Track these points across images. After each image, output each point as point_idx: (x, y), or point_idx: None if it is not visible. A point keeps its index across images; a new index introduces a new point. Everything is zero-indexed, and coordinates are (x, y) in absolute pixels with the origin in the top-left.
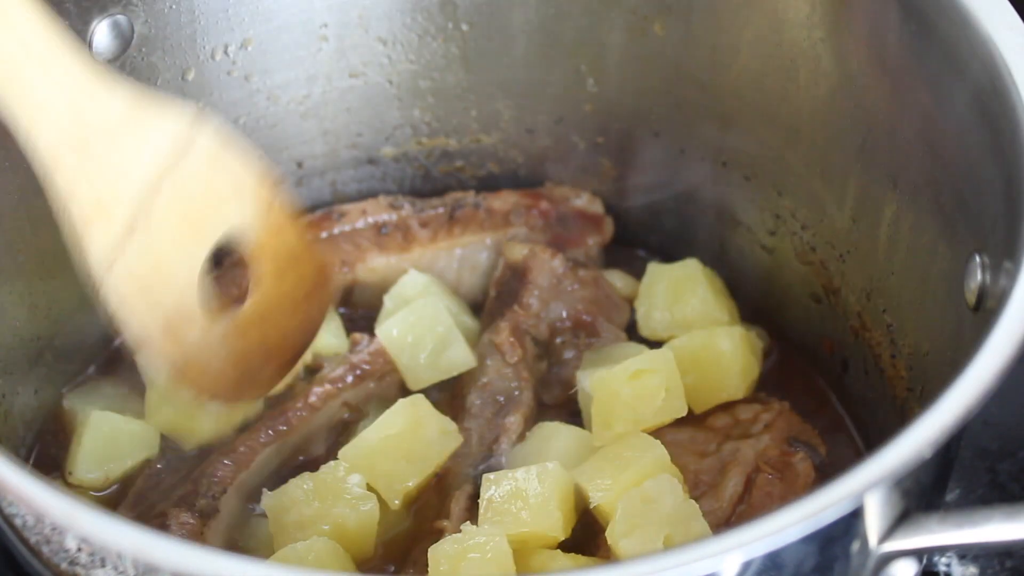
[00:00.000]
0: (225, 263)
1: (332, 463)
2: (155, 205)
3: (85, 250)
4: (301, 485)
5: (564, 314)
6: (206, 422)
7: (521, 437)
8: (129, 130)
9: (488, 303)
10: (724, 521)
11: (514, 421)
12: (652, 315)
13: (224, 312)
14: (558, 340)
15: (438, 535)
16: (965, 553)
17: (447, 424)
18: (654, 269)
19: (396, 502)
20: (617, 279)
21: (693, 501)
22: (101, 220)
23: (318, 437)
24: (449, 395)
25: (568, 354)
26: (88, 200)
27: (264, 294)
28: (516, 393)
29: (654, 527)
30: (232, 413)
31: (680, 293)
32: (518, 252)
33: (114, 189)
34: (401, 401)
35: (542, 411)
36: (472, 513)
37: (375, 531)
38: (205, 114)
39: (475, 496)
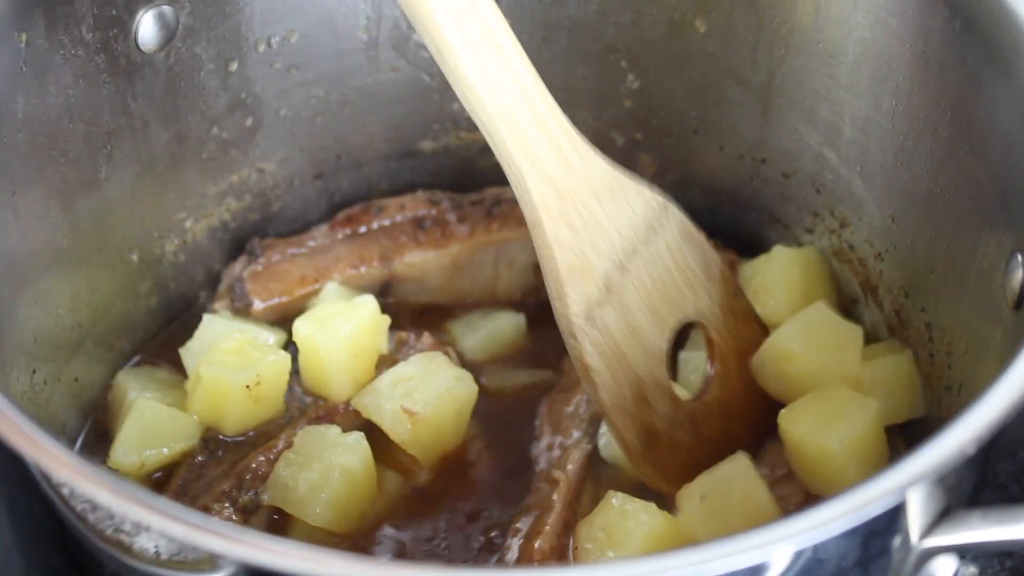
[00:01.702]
0: None
1: (302, 430)
2: (631, 271)
3: (565, 298)
4: (290, 463)
5: None
6: (242, 413)
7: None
8: (611, 195)
9: None
10: None
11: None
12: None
13: (686, 397)
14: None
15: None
16: (965, 552)
17: (461, 373)
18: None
19: (405, 437)
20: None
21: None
22: (584, 272)
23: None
24: (542, 335)
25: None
26: (574, 250)
27: (727, 373)
28: None
29: None
30: (263, 413)
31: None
32: None
33: (596, 244)
34: (417, 356)
35: None
36: (587, 471)
37: (373, 467)
38: (670, 199)
39: (591, 453)
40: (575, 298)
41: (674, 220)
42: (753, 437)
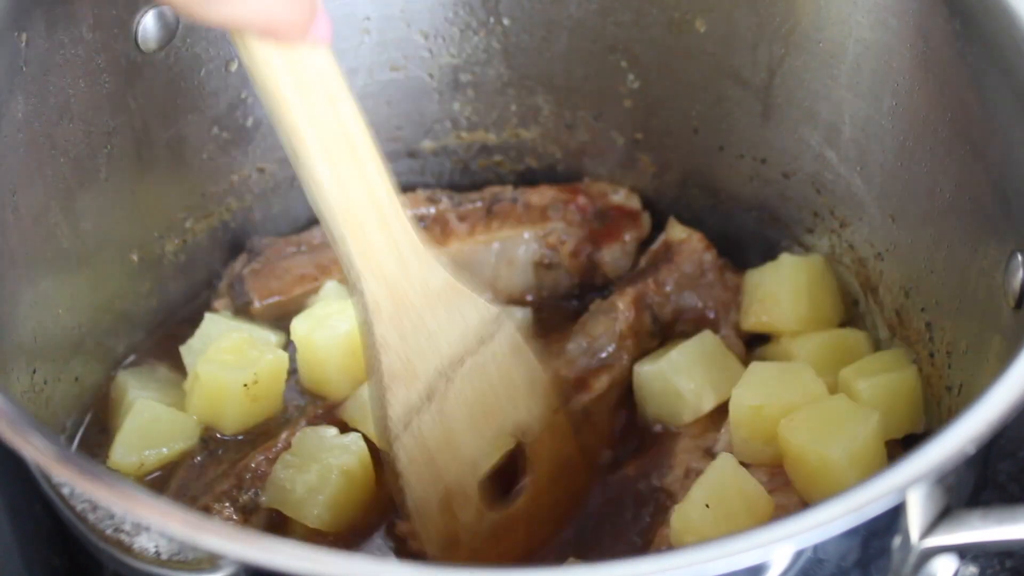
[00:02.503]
0: None
1: (302, 432)
2: (455, 380)
3: (386, 403)
4: (288, 464)
5: (695, 305)
6: (241, 412)
7: (604, 399)
8: (445, 302)
9: (634, 269)
10: None
11: (601, 382)
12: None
13: (492, 504)
14: (678, 328)
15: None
16: (965, 552)
17: None
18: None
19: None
20: None
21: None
22: (407, 377)
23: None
24: (544, 327)
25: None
26: (399, 354)
27: (537, 489)
28: (614, 355)
29: None
30: (261, 412)
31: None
32: (678, 232)
33: (423, 352)
34: None
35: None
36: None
37: (371, 468)
38: (504, 313)
39: None
40: (394, 404)
41: (505, 333)
42: (541, 544)
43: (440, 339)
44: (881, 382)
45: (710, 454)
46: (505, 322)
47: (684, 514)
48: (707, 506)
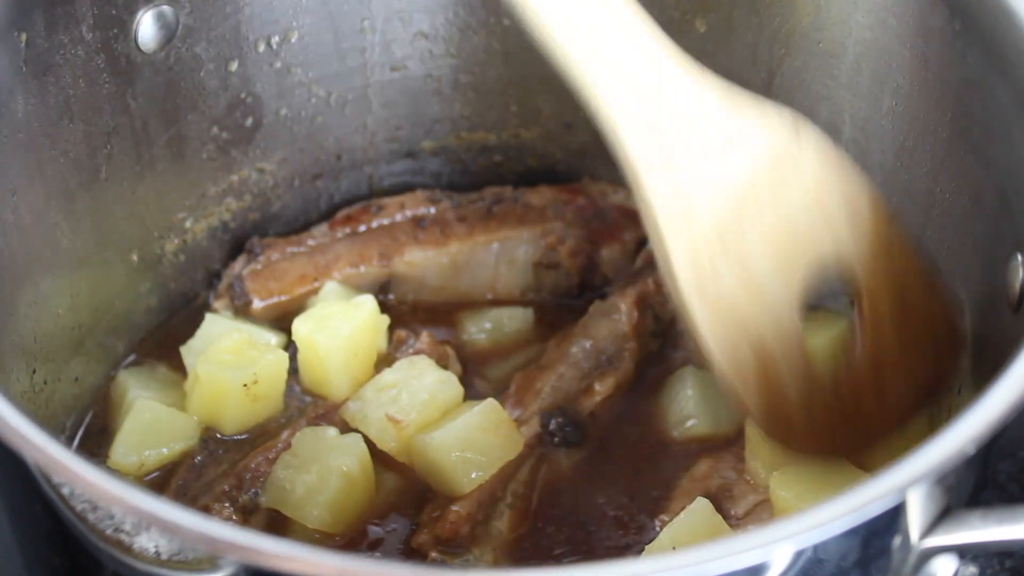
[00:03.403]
0: None
1: (302, 432)
2: (749, 214)
3: (671, 266)
4: (288, 465)
5: None
6: (241, 412)
7: (609, 400)
8: (721, 128)
9: (631, 270)
10: None
11: (607, 384)
12: None
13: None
14: (679, 327)
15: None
16: (965, 552)
17: (446, 376)
18: None
19: (392, 444)
20: None
21: None
22: (685, 221)
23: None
24: (545, 327)
25: (682, 343)
26: (672, 198)
27: (879, 330)
28: (617, 358)
29: None
30: (262, 412)
31: None
32: None
33: (701, 189)
34: (400, 361)
35: (639, 387)
36: (533, 451)
37: (371, 469)
38: (804, 122)
39: (540, 435)
40: (679, 254)
41: (806, 155)
42: (914, 403)
43: (724, 171)
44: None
45: (711, 499)
46: (806, 133)
47: (650, 553)
48: (673, 549)
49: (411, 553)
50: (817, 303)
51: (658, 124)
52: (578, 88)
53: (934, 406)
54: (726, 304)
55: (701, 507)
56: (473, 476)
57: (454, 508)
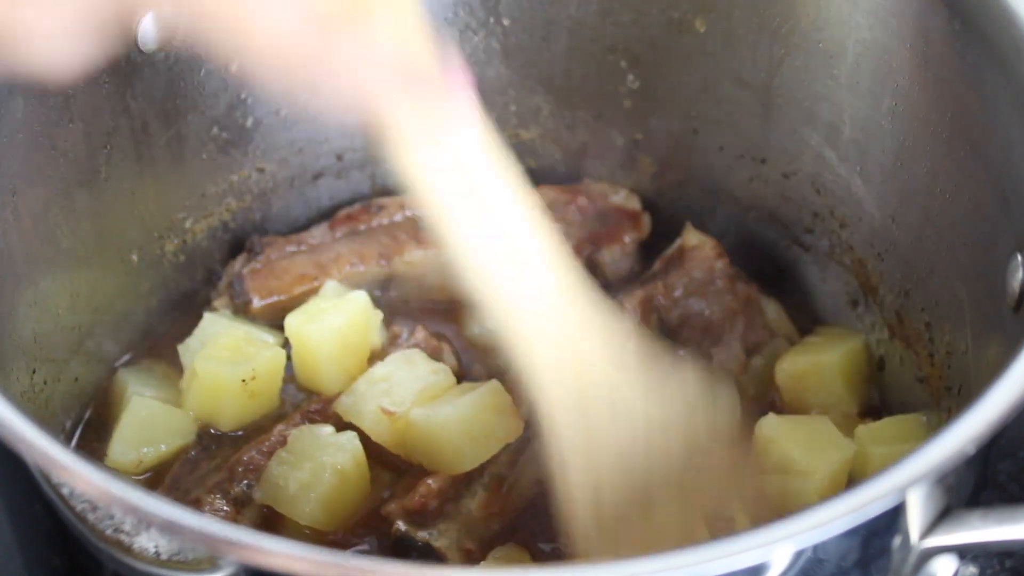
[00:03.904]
0: None
1: (297, 429)
2: (653, 468)
3: (569, 524)
4: (282, 461)
5: (702, 312)
6: (238, 408)
7: None
8: (636, 398)
9: (647, 272)
10: None
11: None
12: None
13: None
14: (684, 334)
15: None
16: (965, 552)
17: (439, 367)
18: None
19: (385, 437)
20: (771, 310)
21: None
22: (590, 506)
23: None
24: None
25: (685, 350)
26: (584, 481)
27: None
28: None
29: None
30: (258, 408)
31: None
32: (692, 238)
33: (611, 477)
34: (393, 354)
35: None
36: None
37: (365, 466)
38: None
39: (527, 421)
40: (577, 534)
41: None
42: None
43: (630, 448)
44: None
45: None
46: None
47: None
48: None
49: (379, 521)
50: (828, 318)
51: (575, 386)
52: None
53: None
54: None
55: None
56: (471, 456)
57: (427, 481)
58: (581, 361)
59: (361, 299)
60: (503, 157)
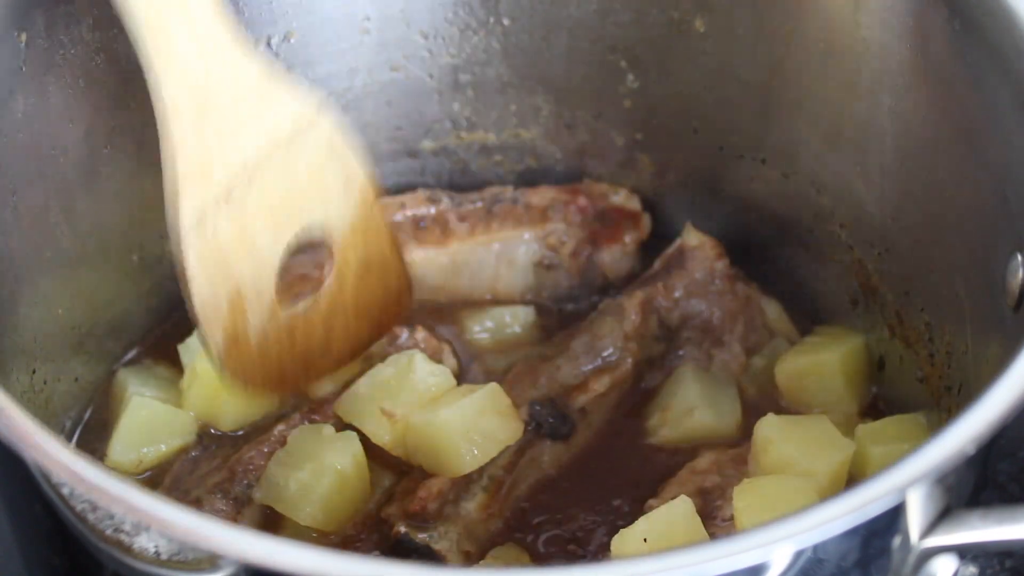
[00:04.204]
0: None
1: (298, 430)
2: (259, 176)
3: (178, 206)
4: (282, 462)
5: (702, 313)
6: (238, 408)
7: (603, 398)
8: (254, 100)
9: (647, 272)
10: None
11: (602, 382)
12: None
13: (291, 299)
14: (684, 334)
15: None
16: (965, 552)
17: (438, 369)
18: None
19: (386, 439)
20: (771, 310)
21: None
22: (201, 179)
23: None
24: (545, 328)
25: (685, 350)
26: (194, 157)
27: (341, 289)
28: (617, 358)
29: None
30: (264, 399)
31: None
32: (692, 238)
33: (223, 152)
34: (393, 356)
35: (637, 390)
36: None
37: (365, 467)
38: (328, 103)
39: (526, 423)
40: (187, 207)
41: (321, 134)
42: (353, 352)
43: (244, 140)
44: (895, 452)
45: (704, 494)
46: (323, 124)
47: (622, 540)
48: (644, 540)
49: (379, 523)
50: (829, 318)
51: (201, 84)
52: (140, 56)
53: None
54: (217, 252)
55: (682, 506)
56: (471, 458)
57: (427, 484)
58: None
59: None
60: None
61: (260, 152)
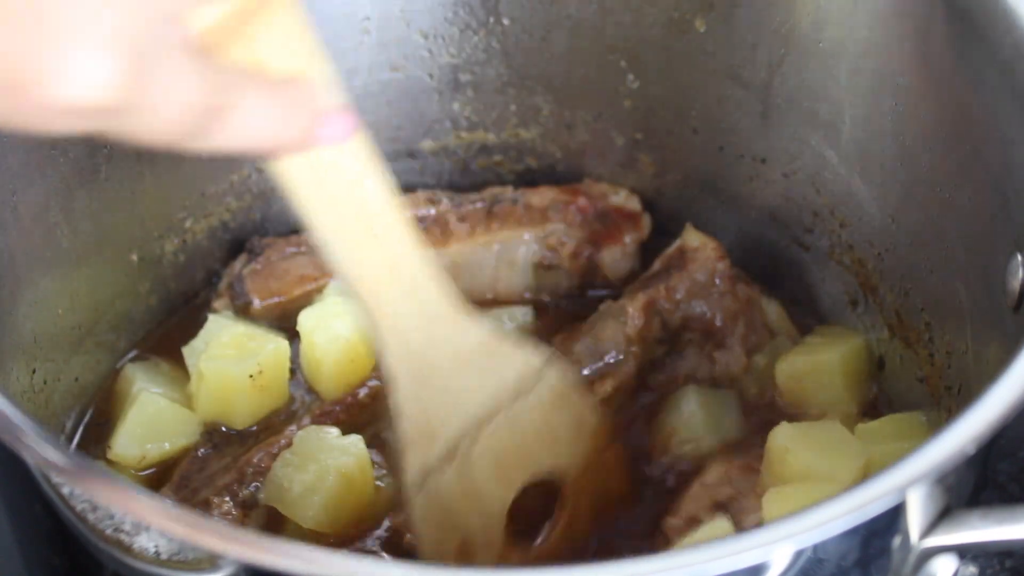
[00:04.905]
0: None
1: (302, 431)
2: (484, 433)
3: (404, 465)
4: (287, 463)
5: (703, 314)
6: (251, 405)
7: (606, 402)
8: (477, 364)
9: (646, 273)
10: None
11: (606, 385)
12: None
13: (517, 541)
14: (686, 336)
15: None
16: (965, 552)
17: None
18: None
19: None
20: (772, 310)
21: None
22: (425, 442)
23: (365, 431)
24: (545, 329)
25: (687, 352)
26: (417, 422)
27: (574, 531)
28: (620, 360)
29: None
30: (269, 402)
31: None
32: (693, 240)
33: (446, 417)
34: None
35: (640, 392)
36: None
37: (370, 470)
38: (555, 357)
39: None
40: (412, 466)
41: (546, 384)
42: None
43: (467, 402)
44: (895, 450)
45: (720, 507)
46: (550, 372)
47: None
48: None
49: (390, 532)
50: (828, 318)
51: (421, 351)
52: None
53: None
54: (441, 508)
55: (722, 525)
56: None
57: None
58: (428, 336)
59: None
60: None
61: (483, 413)
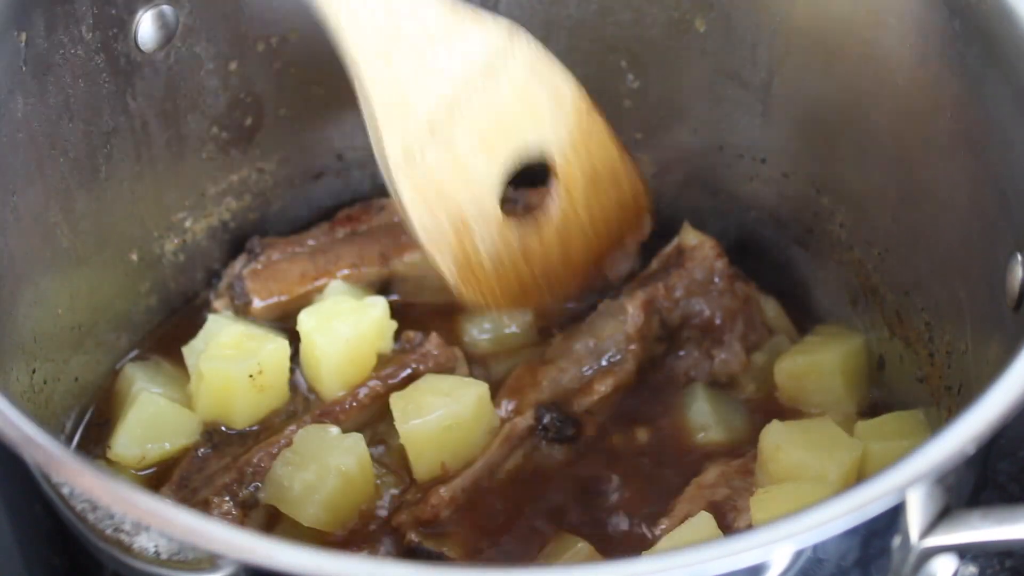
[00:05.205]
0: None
1: (304, 430)
2: (461, 107)
3: (382, 145)
4: (287, 462)
5: (702, 312)
6: (249, 405)
7: (607, 400)
8: (439, 35)
9: (645, 272)
10: None
11: (606, 384)
12: None
13: (522, 220)
14: (685, 334)
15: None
16: (965, 552)
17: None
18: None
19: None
20: (770, 308)
21: None
22: (398, 116)
23: (365, 431)
24: (547, 333)
25: (686, 350)
26: (388, 96)
27: (571, 204)
28: (619, 359)
29: None
30: (269, 402)
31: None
32: (691, 238)
33: (416, 87)
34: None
35: (639, 390)
36: (521, 441)
37: (370, 469)
38: (518, 29)
39: (532, 428)
40: (391, 144)
41: (518, 57)
42: (595, 261)
43: (437, 72)
44: (895, 448)
45: (715, 508)
46: (521, 42)
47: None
48: None
49: (391, 532)
50: (829, 318)
51: (383, 26)
52: None
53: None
54: (431, 183)
55: (704, 522)
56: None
57: (439, 491)
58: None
59: (378, 309)
60: None
61: (456, 84)
